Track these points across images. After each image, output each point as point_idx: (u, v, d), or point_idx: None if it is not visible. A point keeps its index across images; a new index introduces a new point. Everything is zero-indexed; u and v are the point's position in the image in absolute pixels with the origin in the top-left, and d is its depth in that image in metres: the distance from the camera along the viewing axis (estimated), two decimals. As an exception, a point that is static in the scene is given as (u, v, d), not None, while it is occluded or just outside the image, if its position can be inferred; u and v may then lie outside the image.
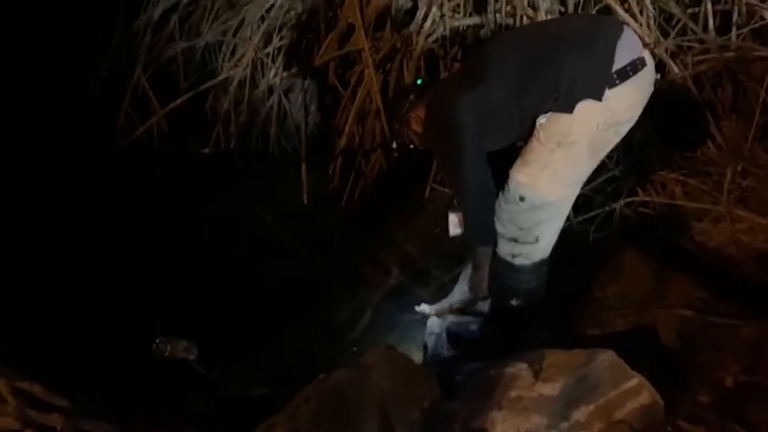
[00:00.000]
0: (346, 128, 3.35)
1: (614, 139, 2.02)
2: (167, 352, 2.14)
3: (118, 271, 2.68)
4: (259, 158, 3.63)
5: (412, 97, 2.30)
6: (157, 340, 2.14)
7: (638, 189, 2.56)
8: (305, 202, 3.25)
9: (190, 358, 2.21)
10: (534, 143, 2.03)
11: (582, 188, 2.16)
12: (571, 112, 1.92)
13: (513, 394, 1.74)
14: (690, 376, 1.88)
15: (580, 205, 2.53)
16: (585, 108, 1.92)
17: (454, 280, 2.58)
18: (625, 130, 2.01)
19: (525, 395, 1.73)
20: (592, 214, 2.52)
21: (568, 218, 2.48)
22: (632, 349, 1.88)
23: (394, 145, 2.50)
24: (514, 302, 2.23)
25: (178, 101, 3.78)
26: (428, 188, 3.07)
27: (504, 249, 2.19)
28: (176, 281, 2.65)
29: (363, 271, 2.81)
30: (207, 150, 3.71)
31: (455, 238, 2.33)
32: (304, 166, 3.30)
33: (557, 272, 2.24)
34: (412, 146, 2.36)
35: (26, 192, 3.13)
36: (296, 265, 2.86)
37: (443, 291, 2.59)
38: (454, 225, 2.31)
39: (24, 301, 2.37)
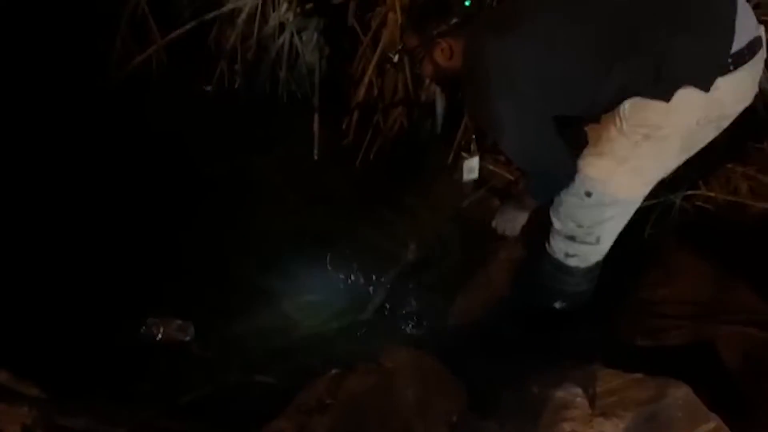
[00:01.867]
0: (365, 78, 2.92)
1: (712, 135, 1.64)
2: (160, 334, 1.79)
3: (100, 234, 2.27)
4: (265, 102, 3.18)
5: (453, 19, 1.75)
6: (148, 321, 1.78)
7: (700, 182, 2.20)
8: (315, 157, 2.85)
9: (185, 339, 1.88)
10: (612, 132, 1.64)
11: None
12: (668, 100, 1.52)
13: (566, 428, 1.43)
14: (760, 408, 1.58)
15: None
16: (686, 97, 1.53)
17: (477, 260, 2.25)
18: (726, 124, 1.63)
19: (580, 431, 1.41)
20: (647, 204, 2.15)
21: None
22: (691, 370, 1.57)
23: (395, 59, 2.06)
24: (558, 305, 1.90)
25: (180, 30, 3.29)
26: (452, 154, 2.68)
27: (557, 247, 1.84)
28: (167, 247, 2.27)
29: (376, 243, 2.44)
30: (209, 88, 3.26)
31: (468, 183, 2.10)
32: (316, 117, 2.88)
33: (605, 268, 1.91)
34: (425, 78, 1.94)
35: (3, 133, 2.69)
36: (303, 231, 2.48)
37: (466, 269, 2.26)
38: (469, 170, 1.97)
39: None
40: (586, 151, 1.71)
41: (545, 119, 1.65)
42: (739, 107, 1.63)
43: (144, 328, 1.78)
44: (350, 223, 2.53)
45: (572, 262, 1.84)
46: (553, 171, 1.74)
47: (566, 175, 1.73)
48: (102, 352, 1.77)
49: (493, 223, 1.99)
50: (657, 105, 1.55)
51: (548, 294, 1.91)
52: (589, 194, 1.71)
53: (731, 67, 1.52)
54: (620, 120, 1.61)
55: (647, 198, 2.14)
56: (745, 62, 1.53)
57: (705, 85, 1.51)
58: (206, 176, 2.75)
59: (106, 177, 2.66)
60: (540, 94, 1.61)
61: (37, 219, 2.28)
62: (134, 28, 3.34)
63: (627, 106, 1.59)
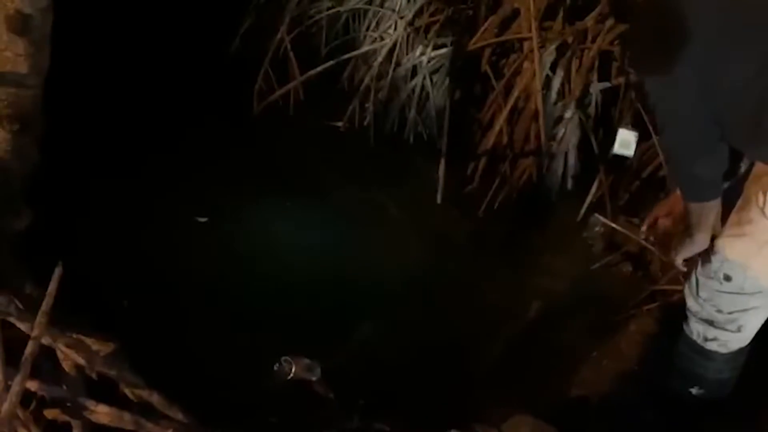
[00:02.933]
0: (495, 125, 2.84)
1: None
2: (291, 373, 1.79)
3: (243, 270, 2.34)
4: (393, 142, 3.18)
5: None
6: (282, 359, 1.79)
7: None
8: (438, 201, 2.79)
9: (312, 379, 1.86)
10: (753, 212, 1.47)
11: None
12: None
13: None
14: None
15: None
16: None
17: (604, 328, 2.09)
18: None
19: None
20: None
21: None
22: None
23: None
24: (695, 391, 1.71)
25: (319, 69, 3.37)
26: (583, 211, 2.53)
27: (695, 328, 1.66)
28: (286, 278, 2.30)
29: (495, 297, 2.34)
30: (341, 125, 3.31)
31: (621, 158, 1.91)
32: (442, 160, 2.82)
33: (753, 355, 1.70)
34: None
35: (151, 150, 2.84)
36: (420, 275, 2.42)
37: (593, 337, 2.10)
38: (622, 143, 1.80)
39: (142, 299, 2.08)
40: (725, 230, 1.55)
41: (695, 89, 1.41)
42: None
43: (278, 365, 1.79)
44: (470, 273, 2.45)
45: (711, 347, 1.66)
46: (673, 150, 1.54)
47: (684, 173, 1.53)
48: (240, 384, 1.81)
49: (672, 254, 1.70)
50: None
51: (686, 378, 1.72)
52: (728, 278, 1.55)
53: None
54: (759, 197, 1.44)
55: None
56: None
57: None
58: (332, 207, 2.77)
59: (244, 203, 2.76)
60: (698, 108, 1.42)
61: (183, 250, 2.39)
62: (276, 65, 3.47)
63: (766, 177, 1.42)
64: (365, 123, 3.26)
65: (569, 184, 2.67)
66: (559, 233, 2.51)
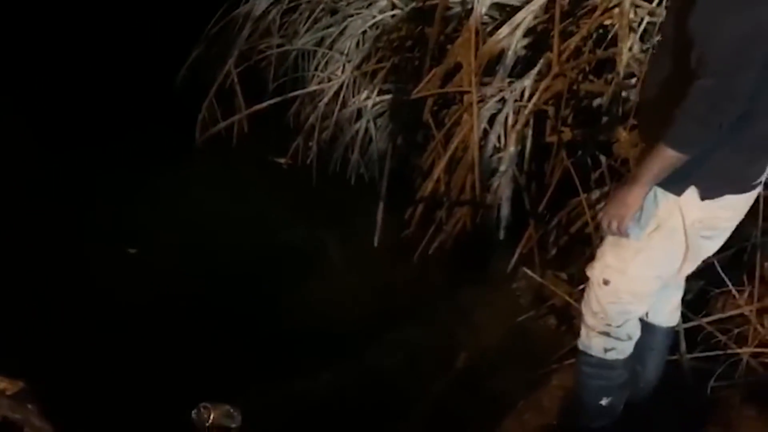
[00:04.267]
0: (434, 172, 2.86)
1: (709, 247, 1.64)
2: (209, 420, 1.70)
3: (163, 307, 2.24)
4: (335, 181, 3.17)
5: None
6: (200, 405, 1.69)
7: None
8: (375, 244, 2.78)
9: (231, 426, 1.77)
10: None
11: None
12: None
13: None
14: None
15: (695, 339, 2.01)
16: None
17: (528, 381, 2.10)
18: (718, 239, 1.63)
19: None
20: (711, 354, 1.98)
21: (678, 352, 1.99)
22: None
23: None
24: (604, 402, 1.79)
25: (264, 104, 3.35)
26: (513, 262, 2.56)
27: (595, 343, 1.75)
28: (216, 319, 2.23)
29: (422, 345, 2.31)
30: (284, 161, 3.27)
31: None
32: (381, 205, 2.82)
33: (666, 421, 1.74)
34: None
35: (85, 172, 2.73)
36: (354, 320, 2.38)
37: (517, 389, 2.10)
38: None
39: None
40: (606, 238, 1.66)
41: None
42: (734, 223, 1.61)
43: (195, 412, 1.69)
44: (402, 317, 2.43)
45: (612, 356, 1.74)
46: (726, 98, 1.40)
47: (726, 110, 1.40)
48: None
49: (599, 216, 1.65)
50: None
51: (595, 394, 1.77)
52: (606, 282, 1.65)
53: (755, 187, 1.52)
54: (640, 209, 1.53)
55: (711, 348, 2.00)
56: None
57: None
58: (269, 244, 2.72)
59: (174, 238, 2.66)
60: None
61: (108, 281, 2.28)
62: (222, 97, 3.42)
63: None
64: (308, 161, 3.24)
65: (501, 234, 2.70)
66: (489, 283, 2.53)
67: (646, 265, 1.62)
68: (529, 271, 2.38)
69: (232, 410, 1.75)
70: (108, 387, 1.92)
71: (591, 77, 2.84)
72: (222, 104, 3.39)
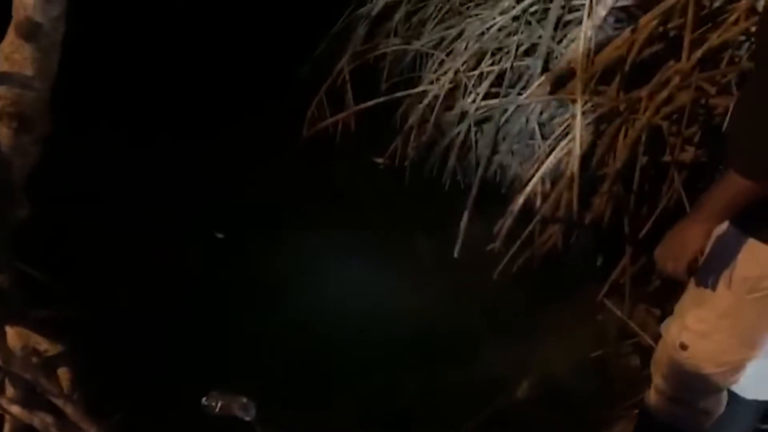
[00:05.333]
0: (530, 185, 2.63)
1: None
2: (218, 408, 1.66)
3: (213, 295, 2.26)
4: (428, 185, 3.02)
5: None
6: (210, 393, 1.66)
7: None
8: (455, 255, 2.60)
9: (245, 419, 1.72)
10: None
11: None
12: None
13: None
14: None
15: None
16: None
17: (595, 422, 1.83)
18: None
19: None
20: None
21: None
22: None
23: None
24: None
25: (370, 102, 3.29)
26: (602, 294, 2.26)
27: (665, 408, 1.47)
28: (285, 310, 2.19)
29: (488, 366, 2.11)
30: (381, 161, 3.20)
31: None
32: (466, 214, 2.63)
33: None
34: None
35: (191, 158, 2.84)
36: (418, 335, 2.22)
37: (579, 425, 1.85)
38: None
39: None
40: (685, 294, 1.38)
41: None
42: None
43: (205, 400, 1.67)
44: (472, 337, 2.24)
45: (681, 426, 1.44)
46: None
47: None
48: (165, 416, 1.70)
49: (656, 254, 1.41)
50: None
51: None
52: (684, 347, 1.36)
53: None
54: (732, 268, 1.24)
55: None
56: None
57: None
58: (349, 243, 2.62)
59: (263, 225, 2.69)
60: None
61: (191, 262, 2.36)
62: (334, 94, 3.43)
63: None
64: (405, 162, 3.14)
65: (595, 260, 2.40)
66: (572, 311, 2.25)
67: (735, 333, 1.32)
68: (612, 306, 2.08)
69: (246, 401, 1.69)
70: (167, 358, 1.95)
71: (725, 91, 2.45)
72: (332, 101, 3.39)
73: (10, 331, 1.54)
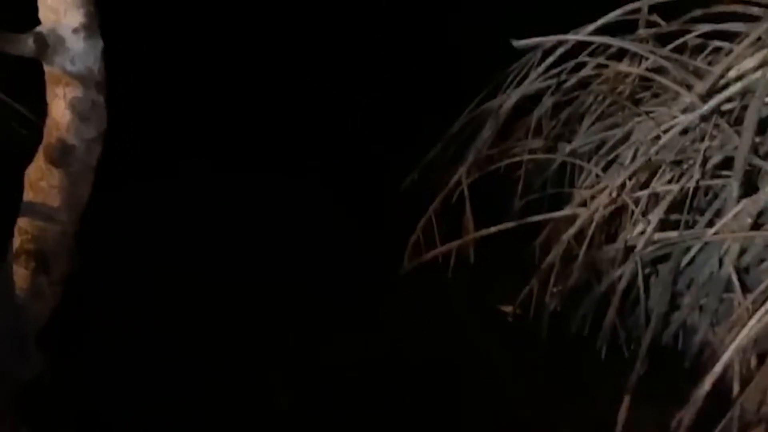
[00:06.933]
0: (724, 358, 2.50)
1: None
2: None
3: None
4: (576, 349, 3.01)
5: None
6: None
7: None
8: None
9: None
10: None
11: None
12: None
13: None
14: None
15: None
16: None
17: None
18: None
19: None
20: None
21: None
22: None
23: None
24: None
25: (497, 228, 3.35)
26: None
27: None
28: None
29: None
30: (509, 309, 3.20)
31: None
32: (627, 398, 2.53)
33: None
34: None
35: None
36: None
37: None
38: None
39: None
40: None
41: None
42: None
43: None
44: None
45: None
46: None
47: None
48: None
49: None
50: None
51: None
52: None
53: None
54: None
55: None
56: None
57: None
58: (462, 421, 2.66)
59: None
60: None
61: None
62: (447, 213, 3.53)
63: None
64: (543, 315, 3.13)
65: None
66: None
67: None
68: None
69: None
70: None
71: None
72: (445, 224, 3.49)
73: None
